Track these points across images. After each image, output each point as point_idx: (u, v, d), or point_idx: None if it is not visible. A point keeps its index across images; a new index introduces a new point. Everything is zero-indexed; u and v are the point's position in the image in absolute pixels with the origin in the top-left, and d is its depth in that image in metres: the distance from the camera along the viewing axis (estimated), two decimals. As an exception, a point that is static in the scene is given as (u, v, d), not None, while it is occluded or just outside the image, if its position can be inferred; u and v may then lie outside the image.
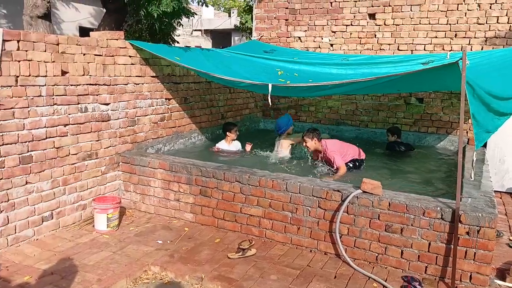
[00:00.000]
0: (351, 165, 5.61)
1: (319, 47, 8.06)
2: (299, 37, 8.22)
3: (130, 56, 5.19)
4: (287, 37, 8.32)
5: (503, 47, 6.72)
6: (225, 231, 4.67)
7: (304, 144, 5.70)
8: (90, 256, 4.03)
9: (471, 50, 6.83)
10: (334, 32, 7.91)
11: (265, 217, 4.46)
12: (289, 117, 6.72)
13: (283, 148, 6.35)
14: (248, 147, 6.38)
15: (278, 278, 3.73)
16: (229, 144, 6.38)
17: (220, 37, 30.52)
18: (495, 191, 5.78)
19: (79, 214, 4.77)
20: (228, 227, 4.68)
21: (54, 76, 4.32)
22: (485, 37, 6.87)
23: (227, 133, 6.35)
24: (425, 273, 3.79)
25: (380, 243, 3.93)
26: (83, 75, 4.62)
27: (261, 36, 8.47)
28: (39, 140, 4.23)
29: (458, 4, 6.97)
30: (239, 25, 18.71)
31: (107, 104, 4.93)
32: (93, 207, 4.64)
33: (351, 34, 7.77)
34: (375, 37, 7.58)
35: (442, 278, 3.74)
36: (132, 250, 4.19)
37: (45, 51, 4.23)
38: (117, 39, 5.02)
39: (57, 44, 4.35)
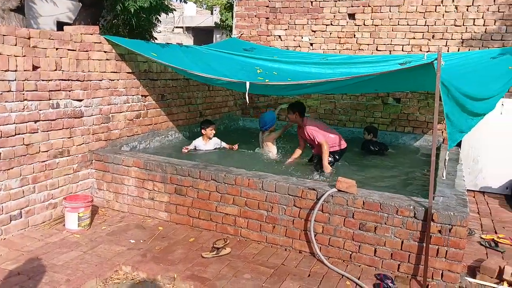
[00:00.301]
0: (331, 159, 5.60)
1: (299, 46, 8.07)
2: (279, 36, 8.21)
3: (105, 52, 5.08)
4: (267, 36, 8.30)
5: (479, 48, 6.83)
6: (200, 230, 4.62)
7: (287, 116, 5.84)
8: (59, 256, 3.93)
9: (448, 51, 6.93)
10: (314, 31, 7.92)
11: (240, 215, 4.42)
12: (273, 113, 6.73)
13: (269, 145, 6.38)
14: (235, 146, 6.42)
15: (252, 277, 3.70)
16: (206, 142, 6.29)
17: (202, 35, 30.33)
18: (468, 190, 5.90)
19: (50, 213, 4.64)
20: (203, 226, 4.62)
21: (24, 71, 4.19)
22: (461, 38, 6.98)
23: (202, 131, 6.26)
24: (398, 271, 3.82)
25: (354, 241, 3.94)
26: (56, 70, 4.50)
27: (241, 34, 8.43)
28: (7, 137, 4.10)
29: (436, 6, 7.06)
30: (219, 23, 18.60)
31: (80, 100, 4.82)
32: (64, 205, 4.52)
33: (330, 33, 7.80)
34: (354, 37, 7.62)
35: (414, 276, 3.77)
36: (103, 249, 4.10)
37: (16, 45, 4.10)
38: (91, 34, 4.91)
39: (29, 38, 4.22)
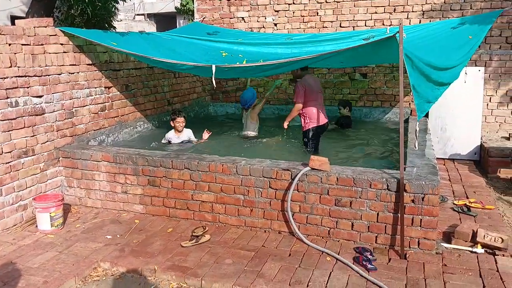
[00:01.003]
0: (305, 139, 5.66)
1: (263, 27, 7.99)
2: (243, 18, 8.10)
3: (61, 44, 4.87)
4: (230, 18, 8.17)
5: (440, 19, 6.94)
6: (178, 220, 4.57)
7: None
8: (34, 258, 3.81)
9: (409, 23, 7.01)
10: (277, 11, 7.85)
11: (217, 202, 4.40)
12: (253, 90, 6.76)
13: (253, 120, 6.52)
14: (206, 135, 6.18)
15: (233, 261, 3.70)
16: (179, 135, 6.06)
17: (165, 21, 29.65)
18: (438, 159, 6.06)
19: (20, 215, 4.49)
20: (180, 215, 4.58)
21: (-23, 69, 3.98)
22: (422, 10, 7.07)
23: (171, 122, 6.06)
24: (376, 242, 3.90)
25: (331, 217, 3.99)
26: (10, 66, 4.28)
27: (204, 18, 8.27)
28: (-35, 140, 3.91)
29: (395, -21, 7.10)
30: (180, 8, 18.18)
31: (40, 97, 4.62)
32: (34, 206, 4.38)
33: (294, 13, 7.75)
34: (317, 15, 7.60)
35: (392, 246, 3.86)
36: (79, 248, 4.00)
37: (-36, 42, 3.88)
38: (45, 27, 4.69)
39: (-22, 34, 4.00)
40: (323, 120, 5.73)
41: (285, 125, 5.79)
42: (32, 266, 3.67)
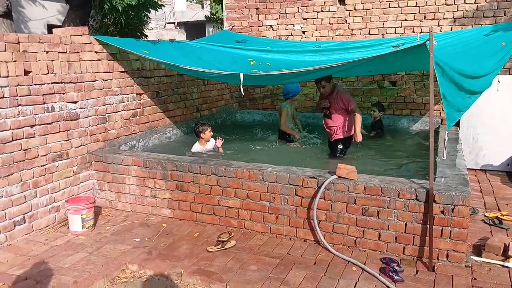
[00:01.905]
0: (341, 147, 5.61)
1: (291, 35, 8.02)
2: (271, 26, 8.16)
3: (96, 52, 5.05)
4: (258, 26, 8.25)
5: (472, 26, 6.79)
6: (204, 225, 4.63)
7: (322, 90, 5.69)
8: (65, 258, 3.94)
9: (440, 31, 6.89)
10: (306, 19, 7.87)
11: (243, 208, 4.43)
12: (298, 84, 6.82)
13: (282, 115, 6.58)
14: (219, 142, 5.97)
15: (258, 268, 3.72)
16: (205, 146, 5.89)
17: (194, 29, 30.17)
18: (469, 169, 5.91)
19: (53, 216, 4.65)
20: (206, 220, 4.63)
21: (16, 76, 4.16)
22: (453, 17, 6.94)
23: (201, 135, 5.77)
24: (403, 253, 3.83)
25: (357, 227, 3.95)
26: (48, 73, 4.47)
27: (233, 26, 8.38)
28: (4, 143, 4.09)
29: (426, -14, 7.01)
30: (210, 16, 18.46)
31: (75, 103, 4.80)
32: (67, 208, 4.52)
33: (322, 20, 7.75)
34: (346, 22, 7.58)
35: (420, 258, 3.78)
36: (109, 249, 4.11)
37: (5, 50, 4.06)
38: (81, 35, 4.87)
39: (18, 43, 4.18)
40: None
41: (361, 138, 5.61)
42: (63, 266, 3.79)
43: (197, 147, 5.86)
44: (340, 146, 5.64)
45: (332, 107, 5.64)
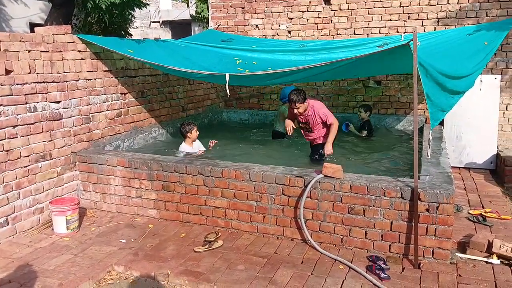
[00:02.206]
0: (322, 151, 5.33)
1: (277, 35, 8.03)
2: (257, 25, 8.16)
3: (79, 51, 4.97)
4: (244, 26, 8.23)
5: (455, 27, 6.89)
6: (191, 225, 4.60)
7: (295, 111, 5.29)
8: (50, 260, 3.88)
9: (424, 31, 6.98)
10: (291, 18, 7.88)
11: (230, 208, 4.42)
12: (294, 87, 6.73)
13: (282, 119, 6.50)
14: (212, 144, 5.98)
15: (246, 267, 3.71)
16: (192, 146, 5.84)
17: (180, 28, 29.98)
18: (454, 167, 5.99)
19: (37, 218, 4.57)
20: (193, 220, 4.61)
21: (-3, 75, 4.08)
22: (437, 18, 7.03)
23: (188, 134, 5.68)
24: (389, 251, 3.87)
25: (344, 225, 3.97)
26: (30, 73, 4.39)
27: (218, 25, 8.35)
28: (-14, 144, 4.01)
29: (409, -14, 7.08)
30: (195, 15, 18.38)
31: (58, 102, 4.72)
32: (51, 210, 4.46)
33: (307, 20, 7.77)
34: (331, 22, 7.61)
35: (405, 255, 3.82)
36: (94, 251, 4.06)
37: (-14, 49, 3.99)
38: (64, 34, 4.80)
39: (-1, 42, 4.11)
40: None
41: (330, 151, 5.28)
42: (48, 268, 3.73)
43: (185, 147, 5.76)
44: (322, 151, 5.38)
45: (310, 124, 5.46)
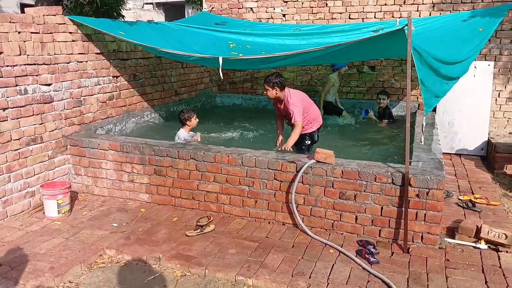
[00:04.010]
0: (308, 142, 5.16)
1: (272, 18, 7.95)
2: (251, 8, 8.07)
3: (70, 33, 4.90)
4: (238, 8, 8.13)
5: (450, 12, 6.85)
6: (183, 209, 4.61)
7: (264, 92, 5.01)
8: (41, 244, 3.88)
9: (419, 16, 6.94)
10: (286, 2, 7.80)
11: (222, 192, 4.43)
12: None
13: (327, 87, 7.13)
14: (198, 137, 5.71)
15: (237, 251, 3.74)
16: (189, 133, 5.65)
17: (174, 11, 29.55)
18: (445, 153, 6.03)
19: (28, 201, 4.56)
20: (185, 205, 4.61)
21: (-14, 57, 4.02)
22: (432, 3, 6.98)
23: (187, 122, 5.46)
24: (379, 236, 3.91)
25: (335, 210, 4.00)
26: (20, 54, 4.32)
27: (212, 8, 8.25)
28: (-25, 127, 3.96)
29: (406, -30, 7.01)
30: (189, -3, 18.09)
31: (48, 85, 4.66)
32: (42, 193, 4.44)
33: (303, 3, 7.69)
34: (326, 6, 7.55)
35: (395, 240, 3.87)
36: (85, 235, 4.06)
37: (-26, 30, 3.91)
38: (54, 15, 4.71)
39: (-13, 22, 4.03)
40: (321, 120, 5.36)
41: (289, 147, 4.91)
42: (39, 252, 3.74)
43: (185, 134, 5.54)
44: (308, 142, 5.18)
45: (288, 116, 5.03)
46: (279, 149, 4.98)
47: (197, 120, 5.58)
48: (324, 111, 6.98)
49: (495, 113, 6.86)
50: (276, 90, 4.89)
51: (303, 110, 4.96)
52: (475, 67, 6.32)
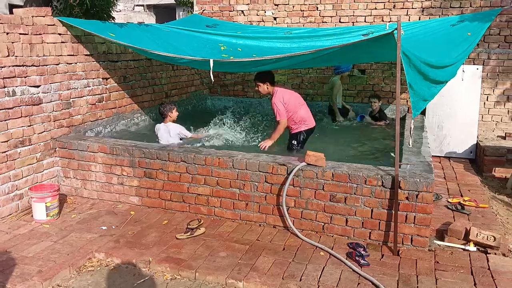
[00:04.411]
0: (294, 142, 5.22)
1: (263, 21, 7.96)
2: (242, 11, 8.07)
3: (59, 34, 4.86)
4: (229, 11, 8.14)
5: (439, 16, 6.93)
6: (173, 212, 4.59)
7: (256, 88, 5.23)
8: (29, 247, 3.83)
9: (409, 20, 7.00)
10: (277, 5, 7.82)
11: (213, 195, 4.41)
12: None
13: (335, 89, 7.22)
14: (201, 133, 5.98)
15: (228, 254, 3.72)
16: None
17: (165, 13, 29.43)
18: (434, 156, 6.09)
19: (16, 204, 4.50)
20: (176, 208, 4.59)
21: (-26, 58, 3.97)
22: (422, 7, 7.05)
23: (169, 113, 5.52)
24: (369, 238, 3.92)
25: (325, 213, 4.01)
26: (8, 56, 4.27)
27: (203, 10, 8.24)
28: (-38, 128, 3.91)
29: (395, -25, 7.08)
30: (179, -1, 18.07)
31: (37, 87, 4.62)
32: (30, 196, 4.39)
33: (293, 7, 7.72)
34: (317, 9, 7.58)
35: (385, 243, 3.88)
36: (74, 238, 4.02)
37: (-39, 30, 3.86)
38: (44, 16, 4.67)
39: (-25, 23, 3.98)
40: (313, 122, 5.42)
41: (267, 145, 5.15)
42: (27, 255, 3.69)
43: (176, 127, 5.55)
44: (294, 142, 5.28)
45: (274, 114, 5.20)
46: (261, 147, 5.15)
47: (177, 112, 5.63)
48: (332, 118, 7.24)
49: (484, 117, 6.94)
50: (267, 85, 5.09)
51: (287, 108, 5.05)
52: (463, 71, 6.40)
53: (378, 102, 7.07)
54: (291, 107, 5.15)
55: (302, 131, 5.28)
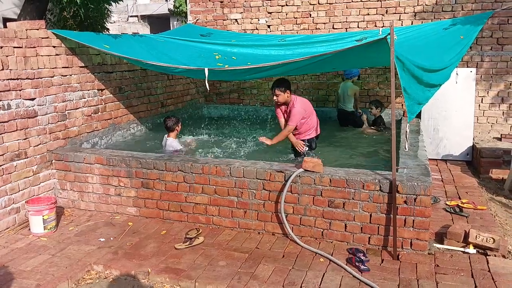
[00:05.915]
0: (306, 148, 5.23)
1: (257, 29, 8.00)
2: (236, 19, 8.11)
3: (54, 47, 4.86)
4: (223, 20, 8.18)
5: (431, 21, 6.98)
6: (171, 222, 4.57)
7: (274, 98, 5.13)
8: (27, 261, 3.80)
9: (401, 25, 7.05)
10: (270, 13, 7.87)
11: (211, 204, 4.40)
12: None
13: (351, 95, 7.21)
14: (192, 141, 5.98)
15: (227, 263, 3.70)
16: (177, 139, 5.73)
17: (159, 23, 29.56)
18: (431, 159, 6.09)
19: (13, 218, 4.46)
20: (174, 217, 4.57)
21: (-32, 72, 3.96)
22: (414, 12, 7.11)
23: (177, 127, 5.56)
24: (369, 243, 3.91)
25: (324, 218, 4.00)
26: (2, 69, 4.26)
27: (197, 20, 8.28)
28: (-43, 143, 3.88)
29: (387, -20, 7.14)
30: (173, 9, 18.17)
31: (32, 99, 4.60)
32: (27, 209, 4.36)
33: (287, 14, 7.77)
34: (310, 16, 7.63)
35: (385, 247, 3.87)
36: (72, 251, 3.99)
37: (-45, 45, 3.85)
38: (37, 29, 4.67)
39: (-31, 37, 3.98)
40: (319, 129, 5.48)
41: (267, 142, 5.24)
42: (24, 269, 3.66)
43: (176, 144, 5.56)
44: (306, 148, 5.27)
45: (288, 119, 5.21)
46: (259, 139, 5.27)
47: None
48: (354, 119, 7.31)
49: (479, 119, 6.98)
50: (287, 94, 5.13)
51: (305, 116, 5.20)
52: (457, 74, 6.44)
53: (375, 109, 7.07)
54: (308, 114, 5.27)
55: (313, 137, 5.37)
